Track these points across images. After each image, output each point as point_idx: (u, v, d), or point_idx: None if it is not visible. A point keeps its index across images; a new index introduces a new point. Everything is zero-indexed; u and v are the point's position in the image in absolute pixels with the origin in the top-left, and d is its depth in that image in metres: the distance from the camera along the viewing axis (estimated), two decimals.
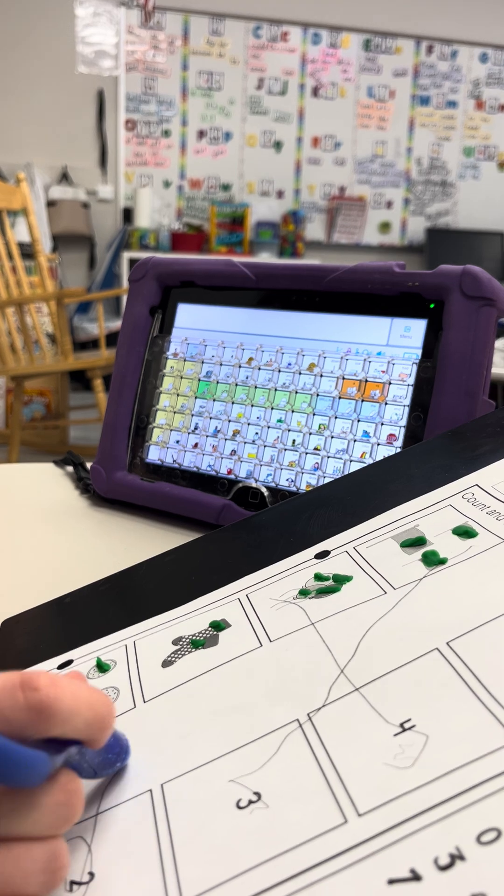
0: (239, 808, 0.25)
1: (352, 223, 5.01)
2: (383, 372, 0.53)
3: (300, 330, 0.57)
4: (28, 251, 3.27)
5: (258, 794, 0.25)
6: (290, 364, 0.57)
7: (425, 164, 5.09)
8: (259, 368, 0.58)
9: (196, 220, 4.81)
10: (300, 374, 0.56)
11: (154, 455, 0.62)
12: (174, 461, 0.61)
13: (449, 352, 0.50)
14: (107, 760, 0.26)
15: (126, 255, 4.47)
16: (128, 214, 4.67)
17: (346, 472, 0.53)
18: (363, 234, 5.07)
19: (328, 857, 0.22)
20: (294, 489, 0.55)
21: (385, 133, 4.99)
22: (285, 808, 0.24)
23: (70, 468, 0.71)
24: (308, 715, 0.27)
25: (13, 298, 2.59)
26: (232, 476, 0.58)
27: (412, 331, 0.52)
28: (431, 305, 0.52)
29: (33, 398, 3.38)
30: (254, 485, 0.56)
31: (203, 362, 0.61)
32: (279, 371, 0.57)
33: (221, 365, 0.60)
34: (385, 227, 5.12)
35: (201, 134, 4.77)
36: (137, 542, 0.56)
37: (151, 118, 4.70)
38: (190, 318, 0.62)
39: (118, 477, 0.62)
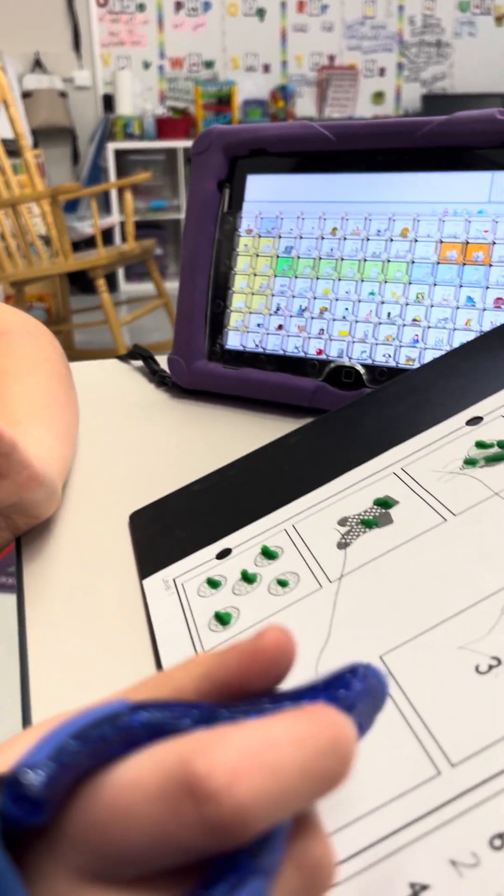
0: (479, 672, 0.24)
1: (343, 95, 4.75)
2: (486, 231, 0.50)
3: (389, 193, 0.53)
4: (12, 148, 3.10)
5: (497, 659, 0.24)
6: (379, 231, 0.53)
7: (418, 23, 4.76)
8: (345, 239, 0.55)
9: (180, 102, 4.54)
10: (392, 240, 0.53)
11: (234, 341, 0.59)
12: (257, 345, 0.58)
13: None
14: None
15: (111, 147, 4.26)
16: (108, 102, 4.41)
17: (450, 343, 0.51)
18: (356, 107, 4.81)
19: None
20: (393, 364, 0.53)
21: None
22: None
23: (137, 363, 0.69)
24: None
25: (4, 199, 2.48)
26: (322, 356, 0.55)
27: None
28: None
29: (33, 304, 3.30)
30: (348, 363, 0.54)
31: (280, 237, 0.57)
32: (368, 240, 0.54)
33: (301, 238, 0.56)
34: (378, 97, 4.85)
35: (178, 5, 4.44)
36: (232, 431, 0.55)
37: None
38: (262, 190, 0.58)
39: (199, 366, 0.60)
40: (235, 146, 0.58)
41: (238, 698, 0.17)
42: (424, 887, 0.19)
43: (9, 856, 0.13)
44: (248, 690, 0.17)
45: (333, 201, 0.55)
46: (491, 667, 0.24)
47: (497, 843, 0.19)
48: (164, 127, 4.37)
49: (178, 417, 0.58)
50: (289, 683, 0.17)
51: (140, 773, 0.14)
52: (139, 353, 0.67)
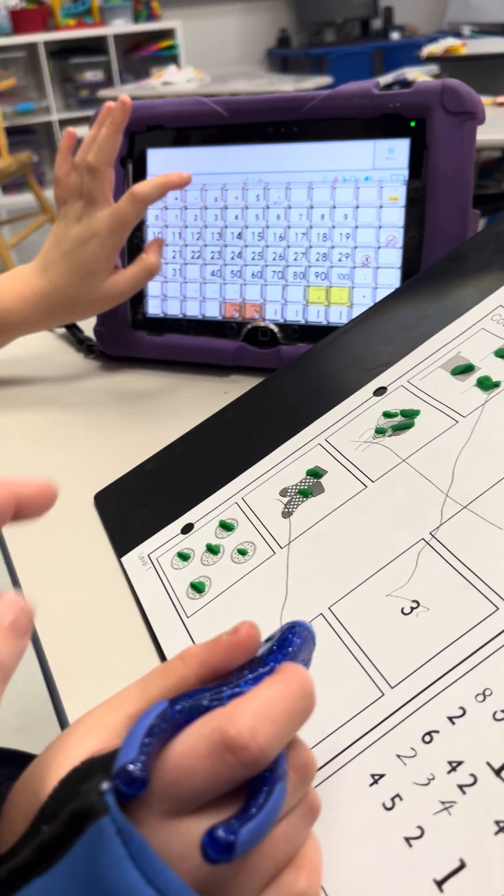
0: (404, 614, 0.32)
1: None
2: (373, 196, 0.55)
3: (283, 163, 0.57)
4: None
5: (416, 602, 0.33)
6: (278, 200, 0.58)
7: None
8: (246, 208, 0.59)
9: None
10: (290, 208, 0.58)
11: (155, 309, 0.64)
12: (177, 312, 0.63)
13: (438, 171, 0.52)
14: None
15: None
16: None
17: (352, 300, 0.57)
18: None
19: (488, 639, 0.30)
20: (303, 322, 0.59)
21: None
22: (443, 608, 0.32)
23: (60, 330, 0.72)
24: (430, 534, 0.35)
25: None
26: (239, 319, 0.61)
27: (396, 151, 0.54)
28: (412, 124, 0.53)
29: None
30: (262, 324, 0.60)
31: (186, 208, 0.61)
32: (268, 208, 0.59)
33: (206, 209, 0.60)
34: None
35: None
36: (166, 395, 0.60)
37: None
38: (163, 163, 0.61)
39: (125, 335, 0.64)
40: (132, 122, 0.60)
41: (224, 673, 0.25)
42: (381, 775, 0.28)
43: (127, 818, 0.20)
44: (230, 668, 0.25)
45: (233, 172, 0.59)
46: (412, 608, 0.32)
47: (427, 738, 0.28)
48: (21, 20, 4.05)
49: (114, 386, 0.63)
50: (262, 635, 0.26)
51: (191, 743, 0.22)
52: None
